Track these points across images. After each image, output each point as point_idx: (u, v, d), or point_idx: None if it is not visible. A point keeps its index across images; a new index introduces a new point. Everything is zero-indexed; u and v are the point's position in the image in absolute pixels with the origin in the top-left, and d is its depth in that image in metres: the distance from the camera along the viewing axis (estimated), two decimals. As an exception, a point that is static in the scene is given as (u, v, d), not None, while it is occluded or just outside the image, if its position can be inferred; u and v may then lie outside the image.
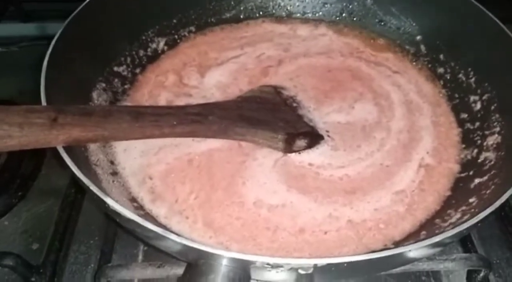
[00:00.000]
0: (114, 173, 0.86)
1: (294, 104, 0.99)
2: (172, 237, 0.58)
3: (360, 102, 1.01)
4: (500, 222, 0.99)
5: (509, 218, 0.98)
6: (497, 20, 0.93)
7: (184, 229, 0.80)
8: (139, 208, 0.82)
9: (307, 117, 0.97)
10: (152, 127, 0.79)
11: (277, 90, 1.01)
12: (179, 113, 0.85)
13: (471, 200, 0.79)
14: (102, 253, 0.91)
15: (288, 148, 0.90)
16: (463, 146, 0.94)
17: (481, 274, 0.87)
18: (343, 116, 0.98)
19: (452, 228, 0.61)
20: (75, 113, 0.72)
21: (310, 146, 0.91)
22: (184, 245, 0.58)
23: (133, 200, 0.83)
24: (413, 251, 0.60)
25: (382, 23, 1.17)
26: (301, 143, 0.90)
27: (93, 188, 0.63)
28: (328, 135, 0.94)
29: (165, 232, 0.59)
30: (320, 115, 0.98)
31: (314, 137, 0.93)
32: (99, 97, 0.95)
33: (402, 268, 0.80)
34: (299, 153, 0.91)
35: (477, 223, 0.62)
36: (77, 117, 0.72)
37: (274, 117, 0.93)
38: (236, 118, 0.89)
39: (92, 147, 0.86)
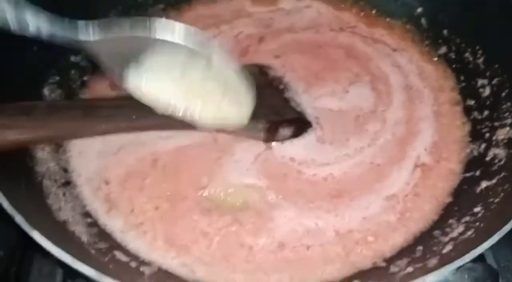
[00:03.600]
0: (66, 183, 0.76)
1: (281, 86, 0.88)
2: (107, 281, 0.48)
3: (355, 86, 0.89)
4: None
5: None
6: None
7: (142, 247, 0.70)
8: (92, 224, 0.72)
9: (295, 101, 0.85)
10: (105, 124, 0.71)
11: (262, 70, 0.90)
12: (139, 105, 0.74)
13: (476, 210, 0.68)
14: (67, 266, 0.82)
15: (271, 137, 0.80)
16: (469, 139, 0.82)
17: (486, 285, 0.77)
18: (336, 102, 0.87)
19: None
20: (10, 112, 0.64)
21: (296, 135, 0.81)
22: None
23: (87, 214, 0.73)
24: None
25: (378, -7, 1.02)
26: (285, 132, 0.80)
27: (18, 219, 0.53)
28: (318, 123, 0.83)
29: (99, 275, 0.48)
30: (310, 99, 0.86)
31: (301, 125, 0.82)
32: (51, 93, 0.84)
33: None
34: (282, 143, 0.80)
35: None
36: (13, 117, 0.63)
37: (256, 103, 0.81)
38: None
39: (41, 154, 0.76)
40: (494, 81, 0.82)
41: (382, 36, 0.99)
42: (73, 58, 0.90)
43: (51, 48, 0.83)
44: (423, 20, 0.97)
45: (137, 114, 0.72)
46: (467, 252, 0.53)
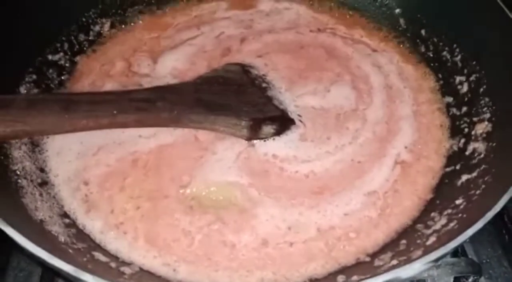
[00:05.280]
0: (43, 183, 0.75)
1: (264, 85, 0.88)
2: (88, 278, 0.46)
3: (337, 85, 0.90)
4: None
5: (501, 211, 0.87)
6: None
7: (122, 247, 0.69)
8: (70, 225, 0.70)
9: (278, 99, 0.85)
10: (86, 119, 0.69)
11: (244, 69, 0.90)
12: (120, 100, 0.74)
13: (458, 202, 0.69)
14: (45, 271, 0.79)
15: (254, 134, 0.80)
16: (449, 135, 0.83)
17: (470, 280, 0.77)
18: (318, 100, 0.87)
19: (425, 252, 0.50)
20: None
21: (279, 132, 0.81)
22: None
23: (65, 215, 0.72)
24: None
25: (356, -7, 1.03)
26: (268, 129, 0.80)
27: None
28: (300, 121, 0.83)
29: (76, 270, 0.47)
30: (292, 97, 0.87)
31: (284, 123, 0.82)
32: (29, 92, 0.82)
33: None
34: (264, 141, 0.80)
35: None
36: None
37: (238, 101, 0.82)
38: (192, 103, 0.78)
39: (16, 153, 0.74)
40: (472, 78, 0.84)
41: (362, 37, 1.00)
42: (50, 57, 0.88)
43: (28, 46, 0.82)
44: (401, 21, 0.99)
45: (118, 109, 0.71)
46: (451, 240, 0.53)
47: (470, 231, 0.53)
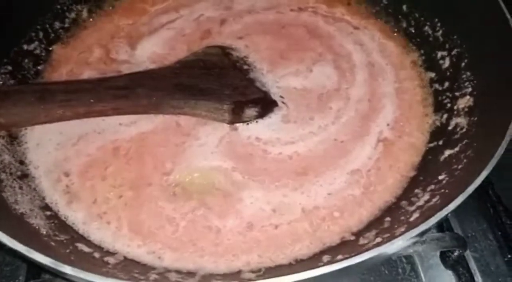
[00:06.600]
0: (23, 176, 0.73)
1: (245, 67, 0.87)
2: (67, 269, 0.46)
3: (319, 65, 0.89)
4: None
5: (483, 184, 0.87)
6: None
7: (106, 237, 0.68)
8: (52, 217, 0.69)
9: (260, 81, 0.85)
10: (62, 108, 0.68)
11: (225, 51, 0.89)
12: (97, 89, 0.73)
13: (440, 177, 0.69)
14: (30, 265, 0.79)
15: (236, 118, 0.79)
16: (431, 111, 0.83)
17: (455, 254, 0.78)
18: (300, 80, 0.86)
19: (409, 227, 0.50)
20: None
21: (262, 114, 0.80)
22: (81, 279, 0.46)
23: (46, 207, 0.71)
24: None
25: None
26: (251, 112, 0.79)
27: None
28: (283, 102, 0.82)
29: (55, 263, 0.46)
30: (275, 79, 0.86)
31: (266, 105, 0.81)
32: (4, 83, 0.81)
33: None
34: (247, 124, 0.79)
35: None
36: None
37: (219, 85, 0.81)
38: (171, 89, 0.77)
39: (-7, 146, 0.73)
40: (454, 52, 0.83)
41: (343, 15, 0.99)
42: (25, 46, 0.86)
43: (2, 36, 0.80)
44: (382, -4, 0.97)
45: (95, 98, 0.69)
46: (433, 216, 0.53)
47: (451, 206, 0.53)
